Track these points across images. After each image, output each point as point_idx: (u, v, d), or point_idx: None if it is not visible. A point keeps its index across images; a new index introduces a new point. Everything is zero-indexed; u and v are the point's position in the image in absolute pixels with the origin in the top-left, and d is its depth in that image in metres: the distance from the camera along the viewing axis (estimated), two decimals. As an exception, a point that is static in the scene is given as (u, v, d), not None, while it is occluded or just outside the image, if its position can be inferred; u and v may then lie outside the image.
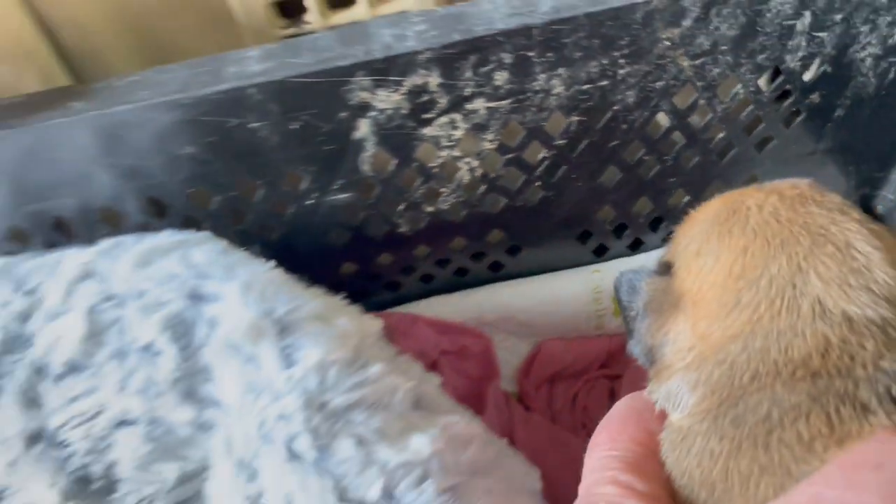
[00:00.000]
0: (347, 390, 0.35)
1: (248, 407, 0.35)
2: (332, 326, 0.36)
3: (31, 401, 0.37)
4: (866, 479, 0.22)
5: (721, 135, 0.50)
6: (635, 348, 0.34)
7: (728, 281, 0.29)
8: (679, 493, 0.28)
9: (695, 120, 0.49)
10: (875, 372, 0.26)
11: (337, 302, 0.39)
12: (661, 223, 0.58)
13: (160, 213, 0.45)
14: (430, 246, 0.54)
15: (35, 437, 0.38)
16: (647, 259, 0.60)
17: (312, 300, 0.37)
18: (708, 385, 0.28)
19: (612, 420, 0.31)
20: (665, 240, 0.58)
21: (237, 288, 0.36)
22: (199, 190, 0.45)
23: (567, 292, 0.60)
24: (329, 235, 0.50)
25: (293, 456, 0.33)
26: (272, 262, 0.38)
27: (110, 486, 0.39)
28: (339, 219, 0.49)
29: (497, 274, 0.59)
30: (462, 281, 0.59)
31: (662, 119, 0.49)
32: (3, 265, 0.41)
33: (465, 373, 0.59)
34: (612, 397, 0.61)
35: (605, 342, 0.62)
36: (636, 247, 0.60)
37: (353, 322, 0.37)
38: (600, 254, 0.59)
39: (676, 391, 0.29)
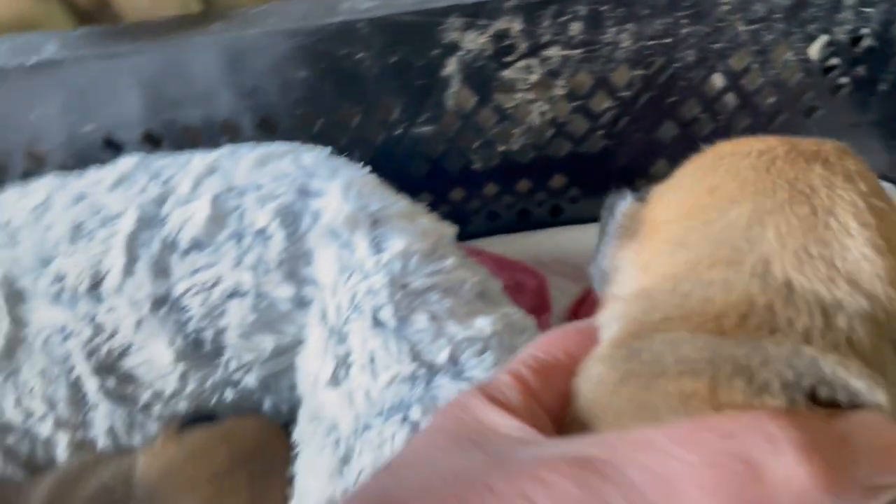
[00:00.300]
0: (425, 275, 0.41)
1: (342, 284, 0.42)
2: (415, 224, 0.43)
3: (161, 270, 0.45)
4: (707, 443, 0.21)
5: (771, 100, 0.56)
6: (594, 270, 0.33)
7: (683, 218, 0.28)
8: (570, 410, 0.27)
9: (747, 83, 0.54)
10: (792, 357, 0.23)
11: (420, 207, 0.46)
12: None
13: (271, 130, 0.52)
14: (499, 185, 0.61)
15: (161, 301, 0.45)
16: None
17: (400, 202, 0.44)
18: (628, 318, 0.27)
19: (563, 328, 0.31)
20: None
21: (339, 185, 0.43)
22: (306, 112, 0.52)
23: (619, 240, 0.65)
24: (411, 166, 0.57)
25: (377, 323, 0.40)
26: (368, 168, 0.45)
27: (217, 350, 0.46)
28: (421, 150, 0.55)
29: (557, 219, 0.65)
30: (524, 222, 0.65)
31: (717, 80, 0.54)
32: (140, 160, 0.49)
33: (520, 305, 0.65)
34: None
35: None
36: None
37: (432, 223, 0.44)
38: (653, 207, 0.65)
39: (609, 320, 0.28)
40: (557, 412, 0.26)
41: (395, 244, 0.42)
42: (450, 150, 0.56)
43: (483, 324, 0.41)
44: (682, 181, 0.30)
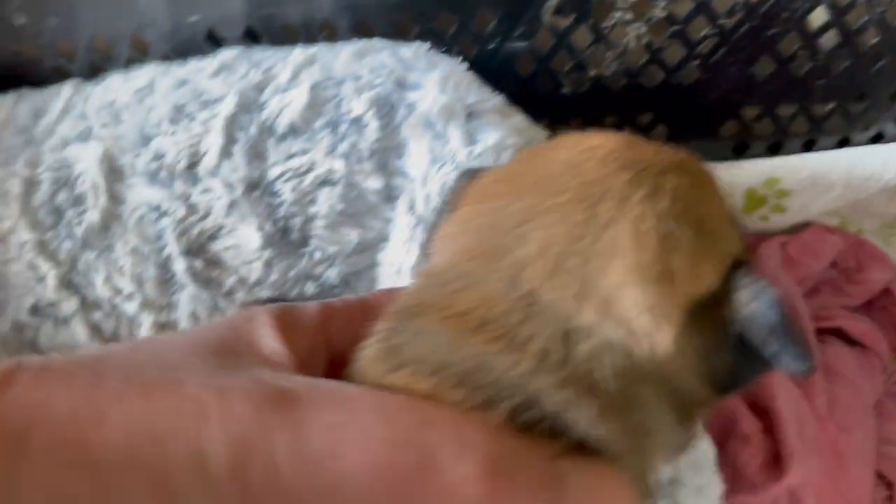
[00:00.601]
0: (517, 170, 0.42)
1: (433, 174, 0.42)
2: (509, 120, 0.43)
3: (256, 154, 0.46)
4: (402, 423, 0.20)
5: (874, 40, 0.54)
6: (423, 243, 0.33)
7: (477, 203, 0.26)
8: (348, 368, 0.26)
9: (851, 19, 0.53)
10: (522, 383, 0.22)
11: (514, 107, 0.46)
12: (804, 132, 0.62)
13: (367, 34, 0.53)
14: (586, 117, 0.60)
15: (254, 185, 0.46)
16: (784, 164, 0.64)
17: (496, 97, 0.44)
18: (405, 297, 0.26)
19: None
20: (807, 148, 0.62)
21: (436, 77, 0.43)
22: (403, 19, 0.52)
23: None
24: (502, 83, 0.56)
25: (467, 211, 0.41)
26: (466, 64, 0.45)
27: (303, 240, 0.47)
28: (512, 68, 0.56)
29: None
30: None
31: (820, 15, 0.53)
32: (241, 51, 0.50)
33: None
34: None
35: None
36: (776, 150, 0.64)
37: (525, 122, 0.44)
38: (740, 152, 0.64)
39: None
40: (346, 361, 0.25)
41: (489, 137, 0.42)
42: (540, 71, 0.56)
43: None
44: (505, 166, 0.28)
